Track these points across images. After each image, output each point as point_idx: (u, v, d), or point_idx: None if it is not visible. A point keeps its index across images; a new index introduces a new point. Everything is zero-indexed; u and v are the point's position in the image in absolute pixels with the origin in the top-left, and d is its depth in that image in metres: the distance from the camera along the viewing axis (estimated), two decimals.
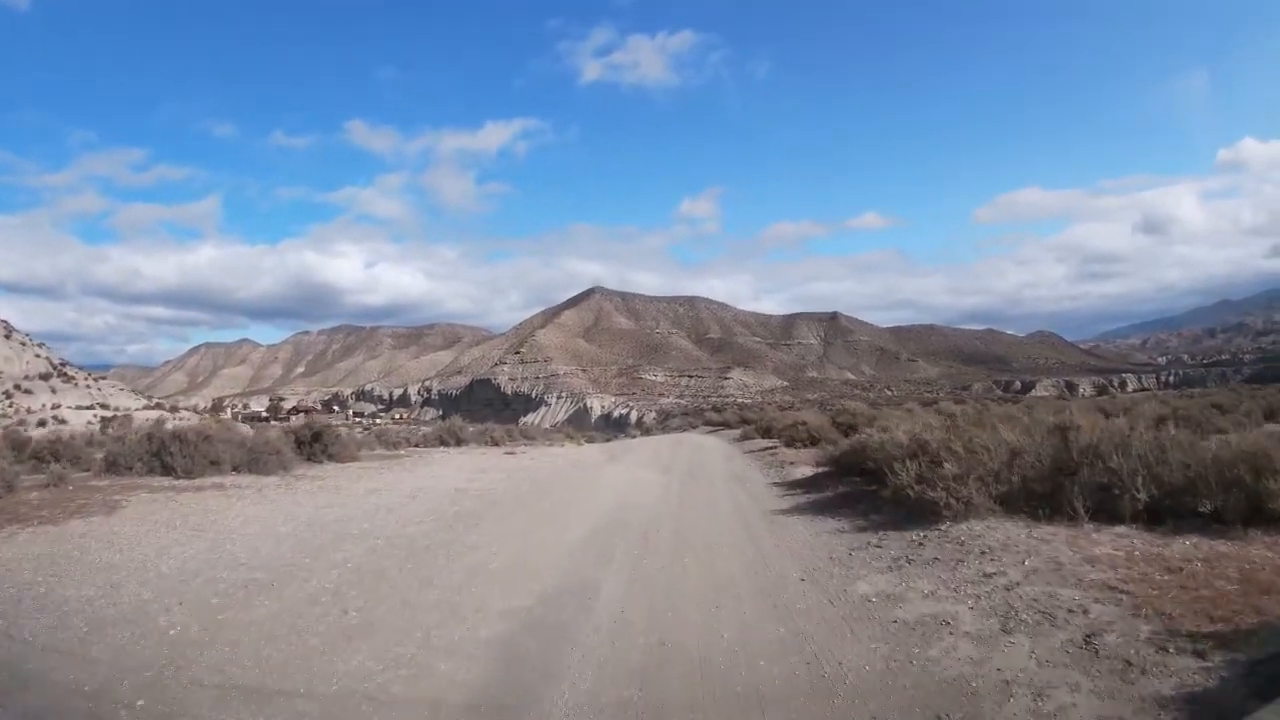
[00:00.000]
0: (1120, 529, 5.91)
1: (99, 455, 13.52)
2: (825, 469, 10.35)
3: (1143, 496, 6.01)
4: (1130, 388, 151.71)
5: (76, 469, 12.77)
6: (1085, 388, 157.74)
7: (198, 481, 11.85)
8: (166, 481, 11.72)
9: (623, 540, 6.88)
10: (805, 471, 11.54)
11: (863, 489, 8.46)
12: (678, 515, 8.22)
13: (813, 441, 15.72)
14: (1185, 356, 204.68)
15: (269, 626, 4.56)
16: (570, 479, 12.54)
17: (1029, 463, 6.61)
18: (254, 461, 13.60)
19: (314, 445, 15.95)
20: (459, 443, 21.59)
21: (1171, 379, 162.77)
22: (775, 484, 10.81)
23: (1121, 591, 4.39)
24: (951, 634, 4.01)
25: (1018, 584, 4.64)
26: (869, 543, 6.09)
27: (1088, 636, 3.81)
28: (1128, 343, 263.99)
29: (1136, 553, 5.25)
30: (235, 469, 13.27)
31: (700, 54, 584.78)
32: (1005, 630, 3.99)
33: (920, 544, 5.78)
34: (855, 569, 5.40)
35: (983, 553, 5.32)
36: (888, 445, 7.60)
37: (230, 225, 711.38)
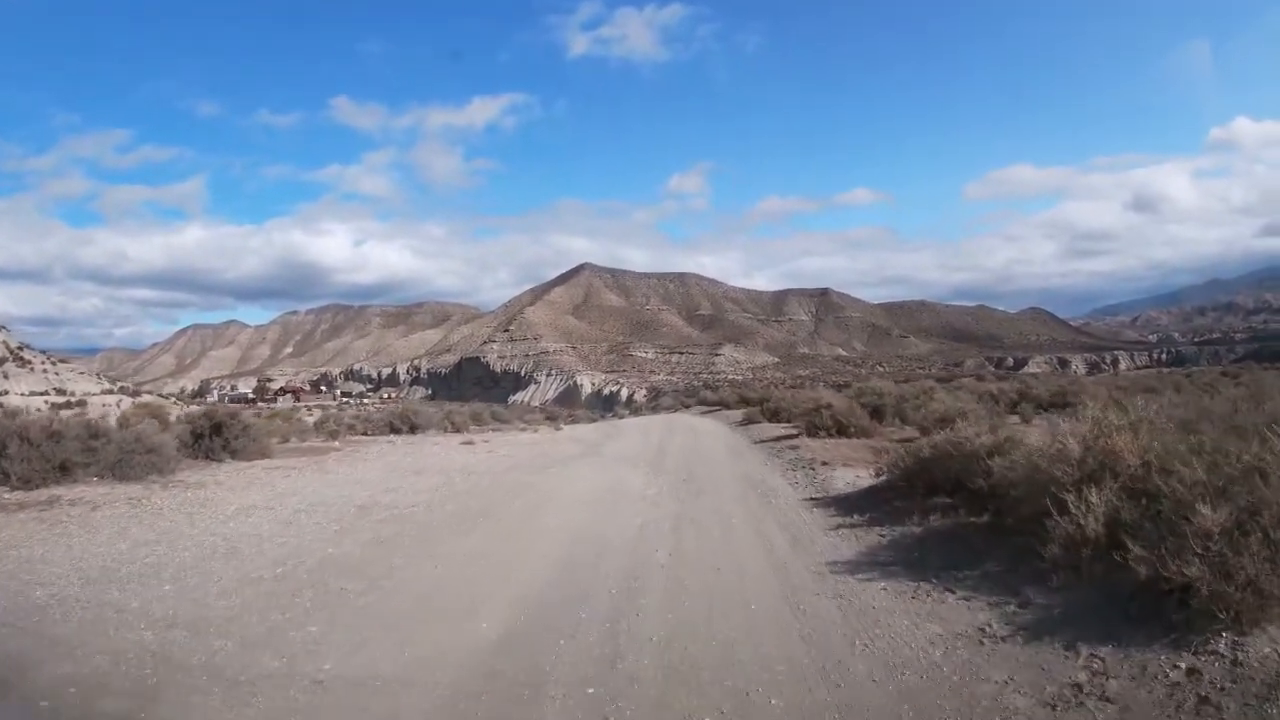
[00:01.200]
0: None
1: None
2: (887, 478, 7.05)
3: None
4: (1123, 365, 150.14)
5: None
6: (1078, 365, 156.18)
7: (33, 495, 9.06)
8: None
9: (570, 646, 3.67)
10: (851, 479, 8.24)
11: (970, 522, 5.25)
12: (671, 573, 4.98)
13: (840, 430, 12.54)
14: (1176, 335, 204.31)
15: None
16: (525, 487, 9.29)
17: None
18: (122, 464, 10.52)
19: (213, 439, 12.70)
20: (412, 430, 18.24)
21: (1164, 357, 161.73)
22: (814, 501, 7.52)
23: None
24: None
25: None
26: (1075, 684, 2.83)
27: None
28: (1118, 320, 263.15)
29: None
30: (98, 475, 10.31)
31: (689, 27, 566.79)
32: None
33: (1207, 701, 2.57)
34: None
35: None
36: (1034, 456, 4.35)
37: (216, 205, 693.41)
